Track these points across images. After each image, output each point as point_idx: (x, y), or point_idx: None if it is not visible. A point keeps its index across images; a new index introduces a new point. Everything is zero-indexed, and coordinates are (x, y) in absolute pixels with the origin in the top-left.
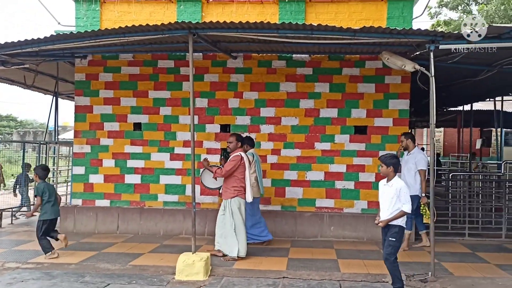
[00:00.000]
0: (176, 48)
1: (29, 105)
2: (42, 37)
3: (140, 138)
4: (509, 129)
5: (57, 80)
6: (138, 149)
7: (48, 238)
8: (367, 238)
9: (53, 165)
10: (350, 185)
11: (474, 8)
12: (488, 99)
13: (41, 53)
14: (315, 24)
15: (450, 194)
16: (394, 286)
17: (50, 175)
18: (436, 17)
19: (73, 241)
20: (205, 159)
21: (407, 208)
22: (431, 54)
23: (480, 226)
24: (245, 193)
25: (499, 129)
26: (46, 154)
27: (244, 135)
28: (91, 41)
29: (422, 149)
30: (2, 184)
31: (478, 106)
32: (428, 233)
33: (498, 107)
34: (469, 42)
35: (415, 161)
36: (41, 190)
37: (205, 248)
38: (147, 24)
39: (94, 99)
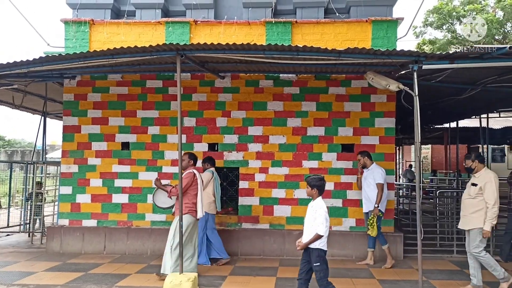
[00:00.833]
0: (164, 69)
1: (17, 124)
2: (31, 58)
3: (128, 157)
4: (495, 146)
5: (45, 100)
6: (126, 169)
7: None
8: (356, 256)
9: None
10: (338, 202)
11: (458, 27)
12: (473, 117)
13: (30, 74)
14: (301, 46)
15: (438, 211)
16: None
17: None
18: (421, 36)
19: (60, 262)
20: (157, 179)
21: (320, 229)
22: (415, 74)
23: None
24: (196, 211)
25: (485, 146)
26: (33, 174)
27: (229, 153)
28: (79, 63)
29: (411, 167)
30: None
31: (464, 123)
32: (388, 249)
33: (484, 124)
34: (452, 62)
35: (373, 176)
36: None
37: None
38: (136, 46)
39: (82, 119)
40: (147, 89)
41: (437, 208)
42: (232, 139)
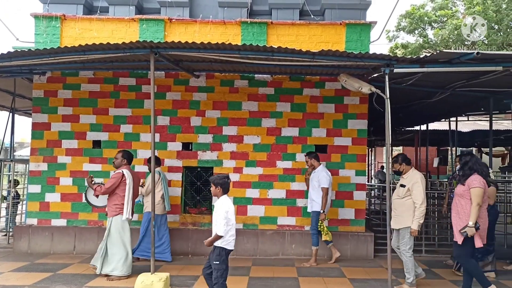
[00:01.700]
0: (137, 66)
1: None
2: None
3: (100, 156)
4: (464, 148)
5: (14, 96)
6: (97, 167)
7: None
8: (328, 256)
9: (8, 183)
10: None
11: (430, 32)
12: (443, 119)
13: None
14: (276, 46)
15: None
16: None
17: (4, 193)
18: (394, 40)
19: (27, 262)
20: (90, 176)
21: (218, 230)
22: (386, 77)
23: (437, 242)
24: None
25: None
26: (1, 172)
27: (203, 153)
28: (50, 59)
29: (383, 168)
30: None
31: (434, 126)
32: (316, 251)
33: (453, 127)
34: (422, 66)
35: (318, 178)
36: None
37: (164, 268)
38: (108, 43)
39: (52, 116)
40: (119, 87)
41: None
42: (206, 138)
